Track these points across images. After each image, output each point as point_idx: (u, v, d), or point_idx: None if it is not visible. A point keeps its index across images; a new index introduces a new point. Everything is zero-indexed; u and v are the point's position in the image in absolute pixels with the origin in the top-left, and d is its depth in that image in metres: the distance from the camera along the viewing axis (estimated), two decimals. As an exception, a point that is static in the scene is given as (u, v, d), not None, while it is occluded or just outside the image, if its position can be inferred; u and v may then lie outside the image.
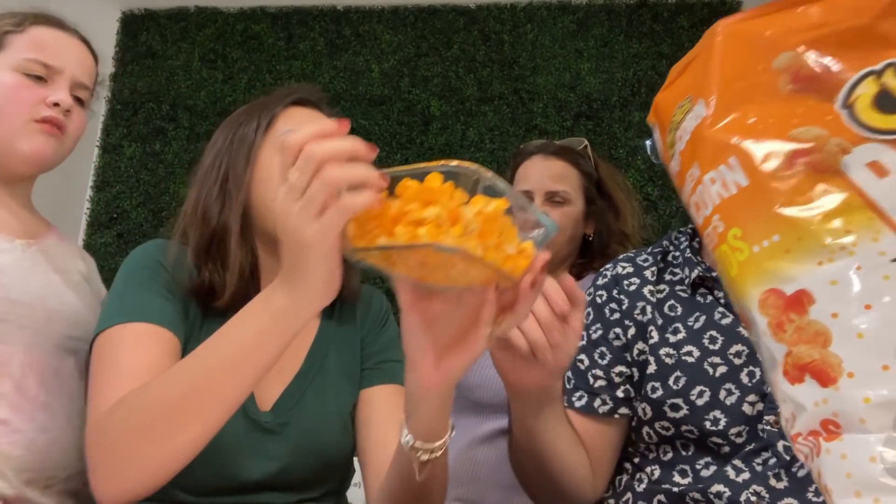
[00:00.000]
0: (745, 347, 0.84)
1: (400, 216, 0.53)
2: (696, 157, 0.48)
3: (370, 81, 2.84)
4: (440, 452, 0.68)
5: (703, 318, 0.88)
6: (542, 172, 1.44)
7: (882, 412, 0.37)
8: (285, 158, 0.54)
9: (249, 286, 0.86)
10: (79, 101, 1.08)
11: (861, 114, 0.42)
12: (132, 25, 3.04)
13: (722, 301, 0.89)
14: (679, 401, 0.84)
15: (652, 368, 0.88)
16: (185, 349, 0.81)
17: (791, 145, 0.43)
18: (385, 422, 0.88)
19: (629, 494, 0.88)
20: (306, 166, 0.52)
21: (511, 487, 1.29)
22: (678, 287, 0.93)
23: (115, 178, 2.84)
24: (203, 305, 0.85)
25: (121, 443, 0.65)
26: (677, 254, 0.96)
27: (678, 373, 0.86)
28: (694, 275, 0.90)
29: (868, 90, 0.42)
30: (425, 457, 0.67)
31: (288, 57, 2.95)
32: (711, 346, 0.85)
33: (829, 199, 0.41)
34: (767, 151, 0.43)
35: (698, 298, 0.90)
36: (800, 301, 0.40)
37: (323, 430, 0.86)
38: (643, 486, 0.87)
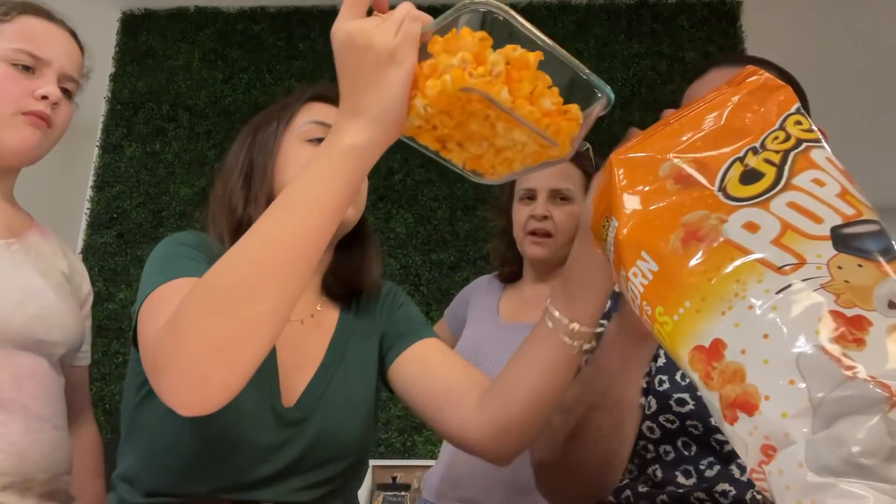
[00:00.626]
0: None
1: (431, 72, 0.53)
2: (621, 261, 0.56)
3: (370, 81, 2.84)
4: (595, 341, 0.74)
5: None
6: (548, 170, 1.45)
7: (799, 421, 0.42)
8: None
9: None
10: (66, 93, 1.06)
11: (732, 190, 0.52)
12: (132, 25, 3.04)
13: None
14: (685, 395, 0.84)
15: (661, 361, 0.89)
16: None
17: (684, 229, 0.52)
18: (447, 359, 0.90)
19: (629, 492, 0.88)
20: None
21: (513, 487, 1.29)
22: None
23: (115, 178, 2.83)
24: None
25: (194, 328, 0.58)
26: None
27: None
28: None
29: (735, 172, 0.53)
30: (587, 345, 0.72)
31: (288, 57, 2.95)
32: None
33: (719, 260, 0.49)
34: (667, 238, 0.53)
35: None
36: (716, 349, 0.47)
37: (345, 422, 0.87)
38: (646, 487, 0.86)
